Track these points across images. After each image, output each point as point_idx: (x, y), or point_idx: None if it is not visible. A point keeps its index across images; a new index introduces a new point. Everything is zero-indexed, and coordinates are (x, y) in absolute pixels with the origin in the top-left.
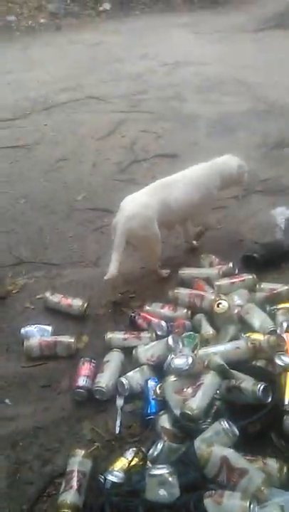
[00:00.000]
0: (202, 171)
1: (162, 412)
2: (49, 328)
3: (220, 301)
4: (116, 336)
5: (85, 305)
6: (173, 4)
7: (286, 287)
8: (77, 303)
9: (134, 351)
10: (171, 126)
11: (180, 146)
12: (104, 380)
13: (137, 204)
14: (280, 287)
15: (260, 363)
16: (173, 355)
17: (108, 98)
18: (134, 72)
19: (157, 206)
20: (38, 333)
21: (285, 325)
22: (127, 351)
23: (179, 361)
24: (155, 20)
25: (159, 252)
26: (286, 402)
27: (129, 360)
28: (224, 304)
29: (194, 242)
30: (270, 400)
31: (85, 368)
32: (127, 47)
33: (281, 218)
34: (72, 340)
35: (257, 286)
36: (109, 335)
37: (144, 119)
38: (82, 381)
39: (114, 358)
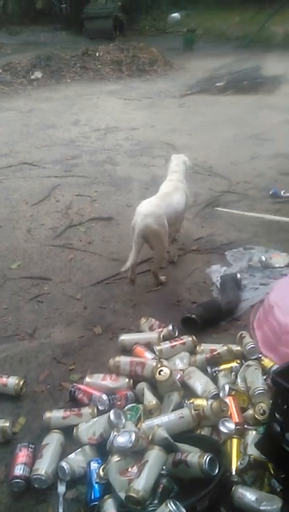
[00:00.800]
0: (180, 183)
1: (107, 496)
2: None
3: (161, 368)
4: (55, 415)
5: (21, 383)
6: (102, 72)
7: (225, 347)
8: (12, 381)
9: (74, 430)
10: (105, 189)
11: (115, 209)
12: (44, 466)
13: (152, 205)
14: (219, 348)
15: (205, 430)
16: (115, 433)
17: (42, 163)
18: (67, 137)
19: (165, 207)
20: None
21: (227, 388)
22: (68, 430)
23: (122, 439)
24: (86, 88)
25: (167, 246)
26: (234, 472)
27: (71, 439)
28: (165, 371)
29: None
30: (217, 471)
31: (22, 455)
32: (60, 113)
33: (216, 276)
34: (8, 424)
35: (197, 348)
36: (48, 414)
37: (78, 183)
38: (19, 470)
39: (54, 440)
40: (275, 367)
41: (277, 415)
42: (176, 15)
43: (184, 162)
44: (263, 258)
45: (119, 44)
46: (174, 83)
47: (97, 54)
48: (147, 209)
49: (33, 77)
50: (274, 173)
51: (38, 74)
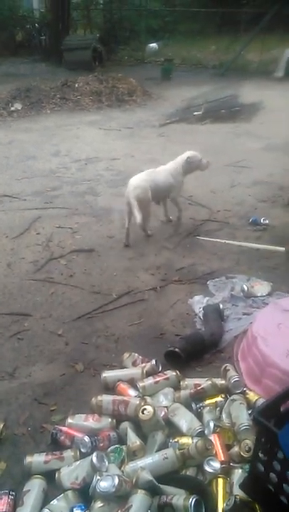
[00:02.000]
0: (169, 168)
1: None
2: None
3: (144, 407)
4: (36, 460)
5: (1, 426)
6: (82, 103)
7: (209, 382)
8: None
9: (56, 475)
10: (87, 220)
11: (96, 240)
12: None
13: (140, 180)
14: (204, 382)
15: (191, 470)
16: (98, 477)
17: (22, 195)
18: (47, 168)
19: (150, 181)
20: None
21: (211, 425)
22: (50, 475)
23: (105, 484)
24: (66, 119)
25: (150, 213)
26: None
27: (53, 484)
28: (149, 410)
29: (170, 217)
30: None
31: (3, 503)
32: (40, 144)
33: (199, 307)
34: None
35: (181, 383)
36: (29, 459)
37: (59, 215)
38: None
39: (36, 487)
40: (260, 401)
41: (260, 455)
42: (153, 45)
43: (186, 157)
44: (245, 287)
45: (99, 75)
46: (153, 112)
47: (76, 85)
48: (136, 182)
49: (12, 108)
50: (253, 200)
51: (17, 105)
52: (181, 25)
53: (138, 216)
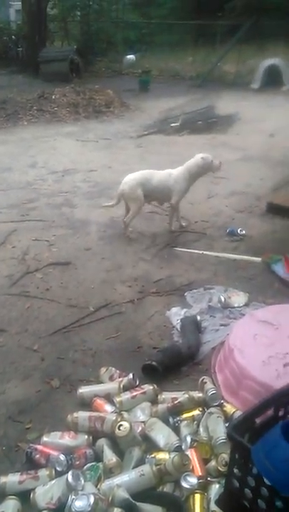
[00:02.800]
0: (173, 171)
1: None
2: None
3: (121, 423)
4: (11, 480)
5: None
6: (59, 115)
7: (186, 395)
8: None
9: (31, 495)
10: (63, 232)
11: (73, 253)
12: None
13: (130, 178)
14: (180, 396)
15: (168, 487)
16: (73, 496)
17: None
18: (23, 180)
19: (142, 180)
20: None
21: (188, 439)
22: (25, 495)
23: (80, 503)
24: (43, 130)
25: (138, 211)
26: None
27: (28, 505)
28: (125, 426)
29: (183, 224)
30: None
31: None
32: (16, 156)
33: (177, 319)
34: None
35: (159, 396)
36: (3, 479)
37: (35, 228)
38: None
39: (10, 508)
40: (237, 413)
41: (235, 470)
42: (131, 56)
43: (200, 157)
44: (222, 298)
45: (76, 86)
46: (130, 124)
47: (53, 96)
48: (126, 179)
49: None
50: (231, 211)
51: None
52: (158, 37)
53: (110, 203)
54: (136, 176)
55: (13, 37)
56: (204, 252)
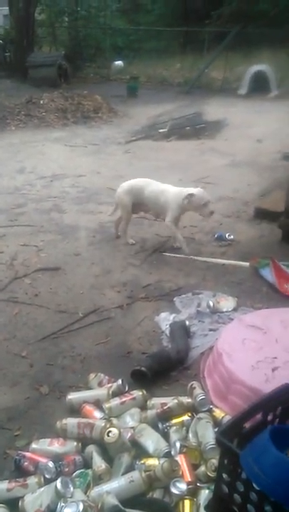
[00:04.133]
0: (168, 188)
1: None
2: None
3: (110, 429)
4: None
5: None
6: (47, 120)
7: (176, 401)
8: None
9: (20, 503)
10: (52, 238)
11: (62, 258)
12: None
13: (124, 185)
14: (170, 401)
15: (158, 493)
16: (62, 503)
17: None
18: (11, 185)
19: (132, 190)
20: None
21: (178, 445)
22: (14, 503)
23: (69, 510)
24: (31, 135)
25: (127, 217)
26: None
27: None
28: (114, 432)
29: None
30: None
31: None
32: (4, 161)
33: (166, 324)
34: None
35: (148, 402)
36: None
37: (24, 233)
38: None
39: None
40: (226, 418)
41: (224, 475)
42: (119, 62)
43: (187, 193)
44: (211, 303)
45: (64, 92)
46: (119, 129)
47: (41, 102)
48: (120, 186)
49: None
50: (219, 216)
51: None
52: (146, 43)
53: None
54: (127, 183)
55: (0, 42)
56: (193, 257)
